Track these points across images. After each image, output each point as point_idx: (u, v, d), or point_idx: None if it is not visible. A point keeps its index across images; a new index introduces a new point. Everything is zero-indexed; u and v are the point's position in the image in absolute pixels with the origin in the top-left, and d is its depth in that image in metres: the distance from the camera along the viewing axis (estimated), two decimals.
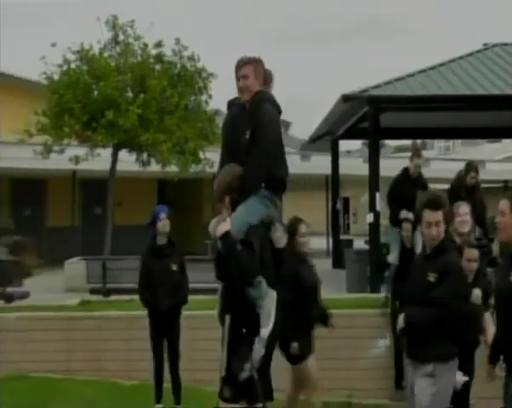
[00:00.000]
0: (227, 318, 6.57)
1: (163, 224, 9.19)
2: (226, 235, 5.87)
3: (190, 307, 9.62)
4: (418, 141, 53.27)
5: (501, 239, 6.01)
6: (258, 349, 6.01)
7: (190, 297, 9.47)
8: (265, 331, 6.04)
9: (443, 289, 5.80)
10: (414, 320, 5.96)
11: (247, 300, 6.23)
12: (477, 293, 7.60)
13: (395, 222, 12.86)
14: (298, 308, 7.94)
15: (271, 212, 6.20)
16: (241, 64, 6.34)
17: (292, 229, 8.14)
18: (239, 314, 6.35)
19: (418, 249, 10.15)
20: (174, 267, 9.22)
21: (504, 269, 5.66)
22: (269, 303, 6.12)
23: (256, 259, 6.00)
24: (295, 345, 7.94)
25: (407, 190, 12.59)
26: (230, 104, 6.73)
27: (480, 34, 73.19)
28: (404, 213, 12.46)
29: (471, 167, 13.46)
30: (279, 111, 6.39)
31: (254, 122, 6.19)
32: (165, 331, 9.14)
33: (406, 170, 13.32)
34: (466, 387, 7.38)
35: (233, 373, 6.08)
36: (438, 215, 5.90)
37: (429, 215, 5.88)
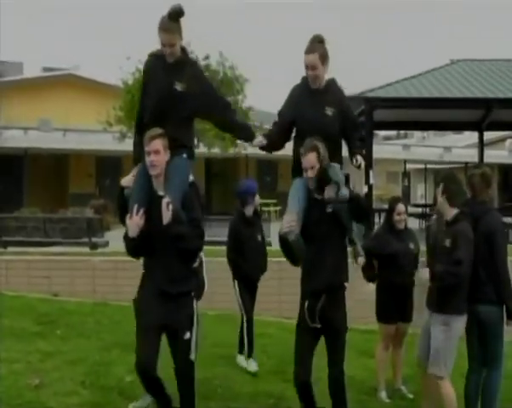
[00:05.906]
0: None
1: (257, 198, 7.55)
2: None
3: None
4: (402, 132, 52.99)
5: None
6: None
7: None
8: None
9: None
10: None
11: None
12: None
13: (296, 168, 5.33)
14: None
15: None
16: None
17: (391, 206, 6.82)
18: None
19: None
20: (259, 237, 7.59)
21: None
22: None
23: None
24: None
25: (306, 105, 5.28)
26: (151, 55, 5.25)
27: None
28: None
29: None
30: None
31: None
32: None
33: (305, 79, 5.31)
34: None
35: None
36: None
37: None
